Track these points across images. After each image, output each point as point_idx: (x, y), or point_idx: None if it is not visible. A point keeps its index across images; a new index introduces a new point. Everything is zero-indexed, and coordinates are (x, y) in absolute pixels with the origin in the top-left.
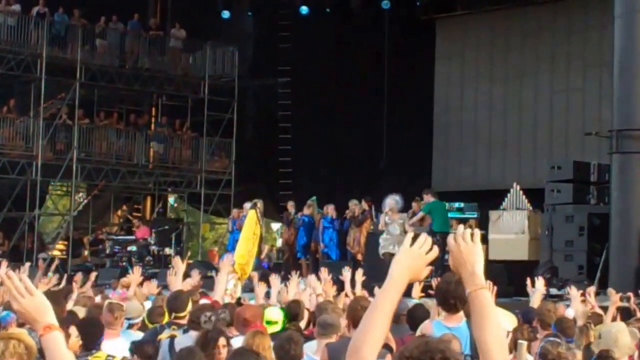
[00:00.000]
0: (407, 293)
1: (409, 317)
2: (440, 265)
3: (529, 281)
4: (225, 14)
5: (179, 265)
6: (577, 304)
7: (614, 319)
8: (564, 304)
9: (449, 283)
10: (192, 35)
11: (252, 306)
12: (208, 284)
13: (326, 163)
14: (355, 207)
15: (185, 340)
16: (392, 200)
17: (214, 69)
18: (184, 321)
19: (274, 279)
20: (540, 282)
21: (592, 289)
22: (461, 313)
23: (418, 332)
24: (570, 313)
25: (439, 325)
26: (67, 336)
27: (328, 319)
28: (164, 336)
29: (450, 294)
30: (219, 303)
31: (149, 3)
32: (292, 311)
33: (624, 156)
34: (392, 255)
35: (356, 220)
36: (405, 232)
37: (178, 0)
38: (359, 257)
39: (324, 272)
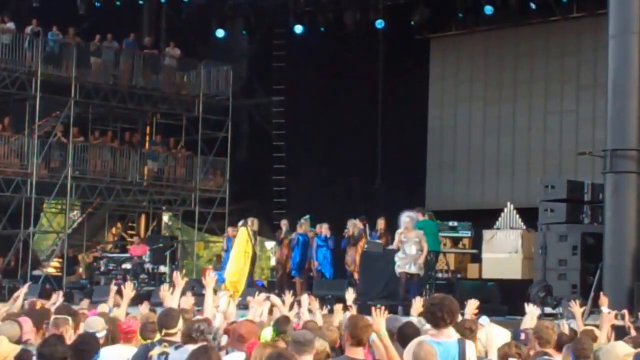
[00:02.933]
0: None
1: (400, 335)
2: (432, 284)
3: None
4: (220, 33)
5: (178, 281)
6: (579, 322)
7: (607, 338)
8: (561, 322)
9: (434, 300)
10: (187, 54)
11: (248, 322)
12: (202, 301)
13: (320, 181)
14: (351, 226)
15: (178, 356)
16: (407, 218)
17: (208, 88)
18: (175, 338)
19: (255, 300)
20: (531, 307)
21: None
22: (451, 330)
23: (406, 352)
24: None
25: (429, 342)
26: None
27: (304, 335)
28: (155, 353)
29: (437, 307)
30: (210, 320)
31: (144, 22)
32: (280, 326)
33: (618, 176)
34: (408, 274)
35: (352, 239)
36: (421, 250)
37: (173, 19)
38: (355, 275)
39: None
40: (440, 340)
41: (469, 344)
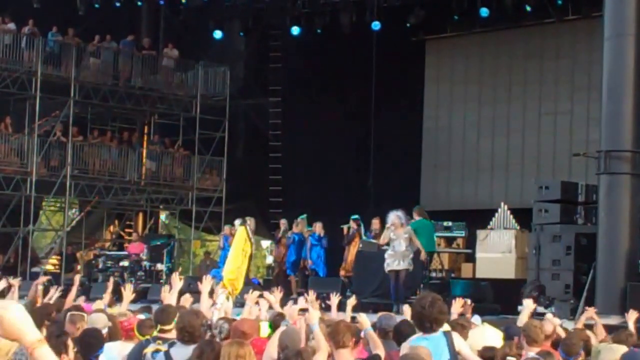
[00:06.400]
0: None
1: (396, 333)
2: (426, 283)
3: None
4: (217, 34)
5: (176, 282)
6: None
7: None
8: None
9: (423, 307)
10: (185, 54)
11: (248, 320)
12: (198, 299)
13: (316, 181)
14: (345, 226)
15: (176, 351)
16: (395, 217)
17: (205, 88)
18: (171, 334)
19: (248, 297)
20: (528, 301)
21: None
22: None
23: (401, 351)
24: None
25: (418, 340)
26: (66, 348)
27: (286, 340)
28: (149, 350)
29: (425, 317)
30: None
31: (142, 23)
32: (276, 324)
33: (612, 177)
34: (396, 272)
35: (346, 239)
36: (410, 246)
37: (171, 21)
38: (349, 274)
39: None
40: (427, 336)
41: (455, 335)
